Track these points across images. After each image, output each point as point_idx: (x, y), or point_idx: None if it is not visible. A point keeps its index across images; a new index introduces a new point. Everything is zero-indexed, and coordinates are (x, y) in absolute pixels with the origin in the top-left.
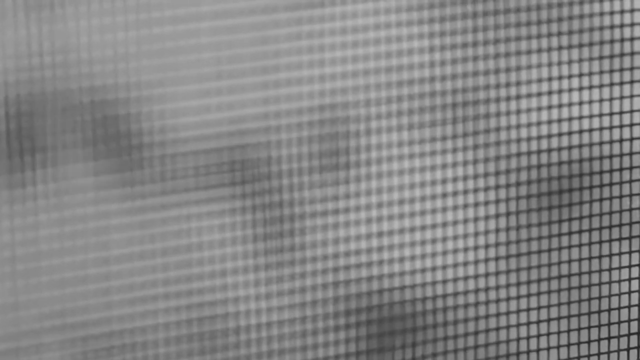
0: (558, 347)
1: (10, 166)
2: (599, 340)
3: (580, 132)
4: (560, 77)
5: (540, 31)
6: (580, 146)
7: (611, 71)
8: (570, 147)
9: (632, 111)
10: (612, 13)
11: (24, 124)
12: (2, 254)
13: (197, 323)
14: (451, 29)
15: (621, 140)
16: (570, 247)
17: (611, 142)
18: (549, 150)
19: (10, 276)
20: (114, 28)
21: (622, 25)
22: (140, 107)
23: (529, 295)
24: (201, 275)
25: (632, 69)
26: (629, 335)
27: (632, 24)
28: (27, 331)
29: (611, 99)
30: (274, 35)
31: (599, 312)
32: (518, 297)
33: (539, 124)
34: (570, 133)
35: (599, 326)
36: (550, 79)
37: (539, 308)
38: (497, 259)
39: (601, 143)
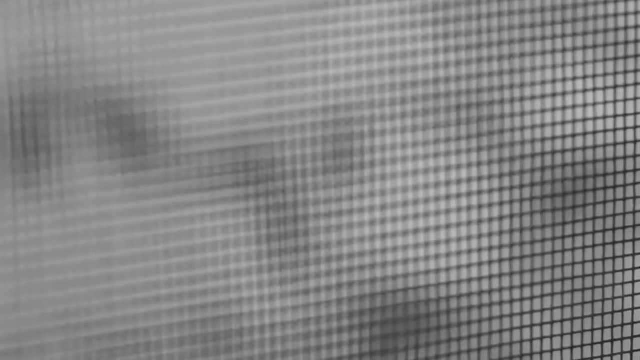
0: (562, 349)
1: (13, 166)
2: (601, 342)
3: (584, 134)
4: (564, 79)
5: (545, 33)
6: (584, 148)
7: (615, 73)
8: (574, 150)
9: (636, 113)
10: (616, 15)
11: (28, 124)
12: (5, 254)
13: (201, 324)
14: (458, 30)
15: (625, 143)
16: (574, 249)
17: (615, 144)
18: (554, 152)
19: (13, 276)
20: (118, 28)
21: (626, 28)
22: (144, 108)
23: (533, 297)
24: (205, 277)
25: (636, 71)
26: (632, 338)
27: (636, 26)
28: (29, 332)
29: (615, 101)
30: (277, 37)
31: (603, 314)
32: (526, 299)
33: (543, 125)
34: (574, 135)
35: (602, 328)
36: (554, 81)
37: (544, 310)
38: (501, 260)
39: (605, 145)
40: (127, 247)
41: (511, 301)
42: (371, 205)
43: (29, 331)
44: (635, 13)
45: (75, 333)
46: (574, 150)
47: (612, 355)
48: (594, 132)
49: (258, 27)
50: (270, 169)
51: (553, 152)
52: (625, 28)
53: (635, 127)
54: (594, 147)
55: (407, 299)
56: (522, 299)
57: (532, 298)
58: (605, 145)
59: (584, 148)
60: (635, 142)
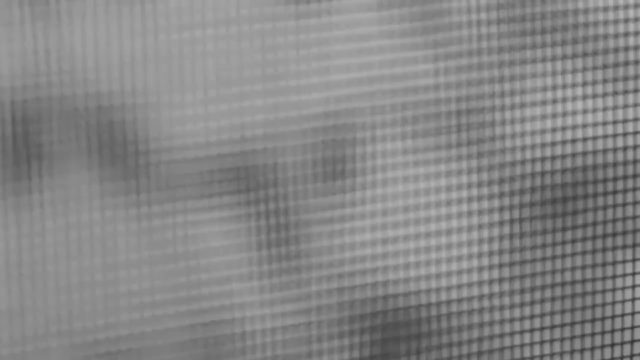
0: (562, 352)
1: (16, 173)
2: (602, 347)
3: (584, 139)
4: (563, 86)
5: (544, 40)
6: (584, 153)
7: (614, 80)
8: (573, 155)
9: (635, 119)
10: (615, 21)
11: (31, 131)
12: (9, 259)
13: (202, 329)
14: (454, 38)
15: (625, 148)
16: (573, 254)
17: (614, 149)
18: (552, 158)
19: (17, 281)
20: (120, 35)
21: (626, 34)
22: (145, 113)
23: (533, 303)
24: (205, 282)
25: (636, 77)
26: (632, 342)
27: (636, 33)
28: (33, 336)
29: (614, 108)
30: (276, 43)
31: (603, 319)
32: (526, 304)
33: (542, 132)
34: (573, 141)
35: (602, 332)
36: (554, 88)
37: (543, 315)
38: (500, 265)
39: (604, 150)
40: (128, 252)
41: (511, 306)
42: (371, 211)
43: (32, 335)
44: (635, 20)
45: (78, 337)
46: (573, 155)
47: (612, 359)
48: (594, 138)
49: (257, 34)
50: (271, 175)
51: (552, 158)
52: (625, 34)
53: (635, 133)
54: (594, 152)
55: (408, 303)
56: (522, 304)
57: (531, 303)
58: (604, 151)
59: (584, 153)
60: (634, 147)
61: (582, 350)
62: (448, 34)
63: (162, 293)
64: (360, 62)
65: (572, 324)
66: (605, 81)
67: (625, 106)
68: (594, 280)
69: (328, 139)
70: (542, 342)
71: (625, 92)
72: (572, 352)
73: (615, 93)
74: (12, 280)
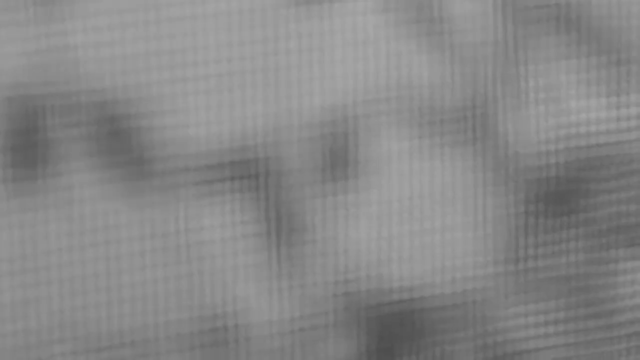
0: (558, 346)
1: (15, 175)
2: (600, 340)
3: (580, 137)
4: (561, 84)
5: (541, 38)
6: (581, 149)
7: (611, 79)
8: (571, 150)
9: (629, 118)
10: (610, 18)
11: (37, 133)
12: (11, 258)
13: (203, 320)
14: (452, 42)
15: (621, 144)
16: (569, 251)
17: (611, 146)
18: (548, 154)
19: (20, 276)
20: (123, 40)
21: (621, 31)
22: (146, 116)
23: (527, 302)
24: (208, 278)
25: (634, 75)
26: (628, 336)
27: (636, 30)
28: (36, 328)
29: (608, 107)
30: (277, 47)
31: (600, 315)
32: (523, 303)
33: (538, 130)
34: (569, 138)
35: (599, 328)
36: (552, 86)
37: (539, 313)
38: (495, 262)
39: (601, 146)
40: (131, 250)
41: (507, 306)
42: (369, 210)
43: (35, 327)
44: (628, 17)
45: (82, 330)
46: (568, 150)
47: (611, 354)
48: (587, 135)
49: (257, 39)
50: (275, 172)
51: (547, 153)
52: (620, 31)
53: (629, 130)
54: (588, 147)
55: (404, 297)
56: (518, 304)
57: (526, 303)
58: (594, 147)
59: (578, 148)
60: (631, 143)
61: (577, 345)
62: (450, 36)
63: (164, 288)
64: (363, 61)
65: (567, 320)
66: (602, 80)
67: (621, 107)
68: (590, 276)
69: (331, 137)
70: (538, 337)
71: (622, 93)
72: (567, 345)
73: (609, 94)
74: (16, 276)
